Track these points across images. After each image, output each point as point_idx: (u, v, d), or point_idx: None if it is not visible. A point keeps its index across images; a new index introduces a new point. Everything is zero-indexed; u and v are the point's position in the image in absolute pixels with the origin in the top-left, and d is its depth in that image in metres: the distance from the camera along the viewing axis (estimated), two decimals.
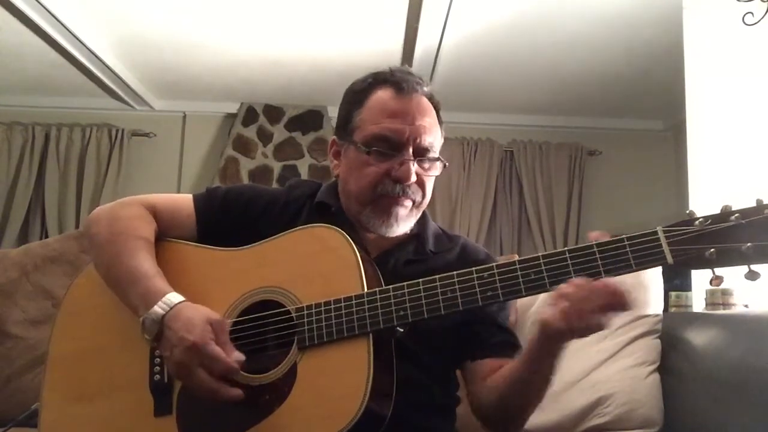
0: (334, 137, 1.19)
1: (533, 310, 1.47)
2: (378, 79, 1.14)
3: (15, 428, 1.27)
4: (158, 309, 0.97)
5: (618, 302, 0.85)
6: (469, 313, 0.95)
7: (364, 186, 1.10)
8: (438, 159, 1.14)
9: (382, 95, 1.12)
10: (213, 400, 0.94)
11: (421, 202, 1.14)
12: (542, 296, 1.45)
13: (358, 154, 1.11)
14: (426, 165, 1.12)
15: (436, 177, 1.16)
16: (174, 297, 0.99)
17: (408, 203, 1.11)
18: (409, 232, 1.17)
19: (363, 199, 1.12)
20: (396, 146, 1.09)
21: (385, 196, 1.10)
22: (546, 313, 0.89)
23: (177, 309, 0.97)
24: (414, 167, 1.09)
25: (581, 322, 0.86)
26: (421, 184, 1.12)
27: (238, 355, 0.95)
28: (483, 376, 1.11)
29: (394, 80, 1.12)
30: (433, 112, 1.15)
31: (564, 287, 0.87)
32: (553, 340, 0.92)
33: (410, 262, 1.14)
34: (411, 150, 1.09)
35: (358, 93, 1.15)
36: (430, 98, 1.15)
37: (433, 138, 1.12)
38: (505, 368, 1.07)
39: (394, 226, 1.12)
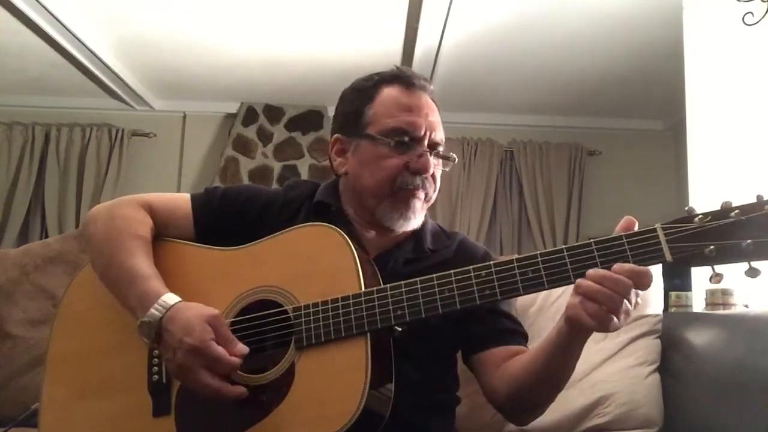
0: (338, 135, 1.19)
1: (533, 309, 1.46)
2: (385, 77, 1.15)
3: (15, 428, 1.27)
4: (155, 312, 0.97)
5: (642, 282, 0.82)
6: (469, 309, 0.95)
7: (382, 179, 1.10)
8: (448, 156, 1.16)
9: (392, 91, 1.13)
10: (216, 400, 0.94)
11: (431, 196, 1.15)
12: (542, 294, 1.45)
13: (375, 147, 1.11)
14: (437, 159, 1.14)
15: None
16: (170, 298, 0.99)
17: (422, 195, 1.12)
18: (410, 230, 1.16)
19: (380, 193, 1.11)
20: (412, 140, 1.10)
21: (403, 189, 1.10)
22: (575, 312, 0.84)
23: (174, 310, 0.97)
24: (432, 160, 1.11)
25: (610, 321, 0.83)
26: (434, 177, 1.14)
27: (242, 348, 0.95)
28: (496, 365, 1.08)
29: (404, 76, 1.14)
30: (437, 110, 1.17)
31: (587, 285, 0.83)
32: (582, 335, 0.90)
33: (409, 261, 1.14)
34: (426, 143, 1.11)
35: (365, 90, 1.16)
36: (433, 98, 1.17)
37: (442, 134, 1.15)
38: (523, 358, 1.04)
39: (411, 219, 1.12)
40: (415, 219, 1.13)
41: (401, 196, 1.11)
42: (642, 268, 0.83)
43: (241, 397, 0.94)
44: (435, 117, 1.13)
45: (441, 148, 1.14)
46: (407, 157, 1.10)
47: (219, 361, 0.93)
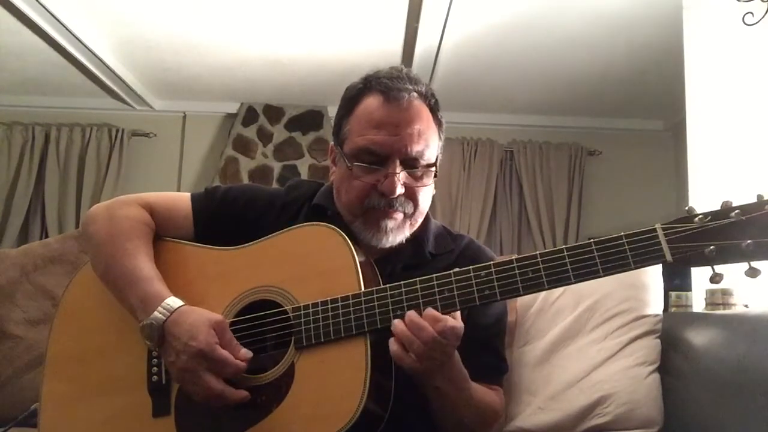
0: (332, 143, 1.18)
1: (533, 310, 1.46)
2: (368, 85, 1.11)
3: (15, 428, 1.27)
4: (158, 315, 0.97)
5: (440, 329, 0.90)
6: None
7: (353, 199, 1.09)
8: (431, 165, 1.09)
9: (371, 103, 1.08)
10: (219, 403, 0.94)
11: (413, 214, 1.11)
12: (542, 295, 1.45)
13: (346, 167, 1.09)
14: (418, 173, 1.09)
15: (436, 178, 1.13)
16: (173, 302, 0.99)
17: (398, 215, 1.09)
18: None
19: (353, 211, 1.10)
20: (381, 159, 1.06)
21: (373, 209, 1.08)
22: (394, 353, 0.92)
23: (177, 314, 0.97)
24: (401, 179, 1.06)
25: (423, 361, 0.91)
26: (411, 195, 1.09)
27: (245, 352, 0.96)
28: None
29: (382, 87, 1.08)
30: (427, 114, 1.10)
31: (396, 326, 0.91)
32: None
33: (409, 267, 1.12)
34: (398, 161, 1.06)
35: (348, 100, 1.12)
36: (427, 98, 1.10)
37: (424, 145, 1.07)
38: None
39: (384, 238, 1.09)
40: (389, 238, 1.09)
41: (372, 217, 1.08)
42: (438, 316, 0.90)
43: (245, 401, 0.94)
44: (414, 129, 1.06)
45: (423, 162, 1.08)
46: (375, 177, 1.06)
47: (225, 364, 0.93)
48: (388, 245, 1.11)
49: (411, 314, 0.91)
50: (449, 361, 0.96)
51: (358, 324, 0.93)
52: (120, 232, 1.10)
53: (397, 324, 0.91)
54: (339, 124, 1.13)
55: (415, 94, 1.09)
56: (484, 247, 1.25)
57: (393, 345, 0.92)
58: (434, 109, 1.12)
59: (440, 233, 1.22)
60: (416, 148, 1.06)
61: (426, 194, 1.12)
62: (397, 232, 1.10)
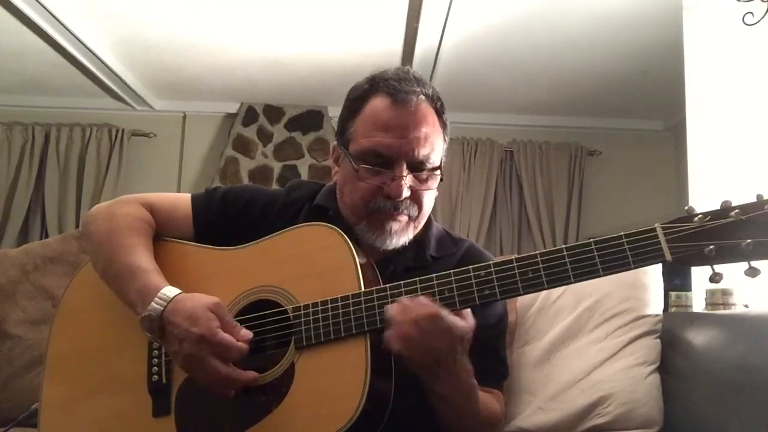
0: (335, 143, 1.17)
1: (533, 310, 1.47)
2: (374, 86, 1.10)
3: (15, 428, 1.27)
4: (155, 305, 0.97)
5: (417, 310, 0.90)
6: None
7: (357, 200, 1.09)
8: (436, 169, 1.09)
9: (377, 105, 1.08)
10: (229, 388, 0.94)
11: (417, 216, 1.11)
12: (542, 294, 1.45)
13: (352, 167, 1.08)
14: (423, 176, 1.09)
15: None
16: (170, 291, 0.99)
17: (403, 218, 1.09)
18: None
19: (357, 213, 1.10)
20: (388, 162, 1.06)
21: (378, 212, 1.08)
22: (391, 343, 0.91)
23: (175, 302, 0.97)
24: (407, 182, 1.06)
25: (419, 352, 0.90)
26: (416, 198, 1.09)
27: (245, 333, 0.96)
28: None
29: (389, 89, 1.07)
30: (433, 117, 1.10)
31: (392, 312, 0.91)
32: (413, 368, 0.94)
33: (409, 269, 1.12)
34: (405, 164, 1.06)
35: (354, 101, 1.12)
36: (433, 100, 1.10)
37: (430, 149, 1.07)
38: None
39: (388, 240, 1.09)
40: (393, 240, 1.09)
41: (377, 219, 1.08)
42: (427, 302, 0.90)
43: (255, 382, 0.94)
44: (420, 132, 1.06)
45: (429, 165, 1.08)
46: (381, 180, 1.06)
47: (228, 348, 0.93)
48: (391, 247, 1.11)
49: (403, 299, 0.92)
50: (453, 365, 0.94)
51: (358, 324, 0.93)
52: (120, 229, 1.11)
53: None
54: (344, 125, 1.13)
55: (423, 97, 1.08)
56: (485, 251, 1.25)
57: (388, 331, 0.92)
58: (440, 112, 1.12)
59: (442, 237, 1.22)
60: (423, 152, 1.07)
61: (430, 197, 1.12)
62: (401, 235, 1.10)
